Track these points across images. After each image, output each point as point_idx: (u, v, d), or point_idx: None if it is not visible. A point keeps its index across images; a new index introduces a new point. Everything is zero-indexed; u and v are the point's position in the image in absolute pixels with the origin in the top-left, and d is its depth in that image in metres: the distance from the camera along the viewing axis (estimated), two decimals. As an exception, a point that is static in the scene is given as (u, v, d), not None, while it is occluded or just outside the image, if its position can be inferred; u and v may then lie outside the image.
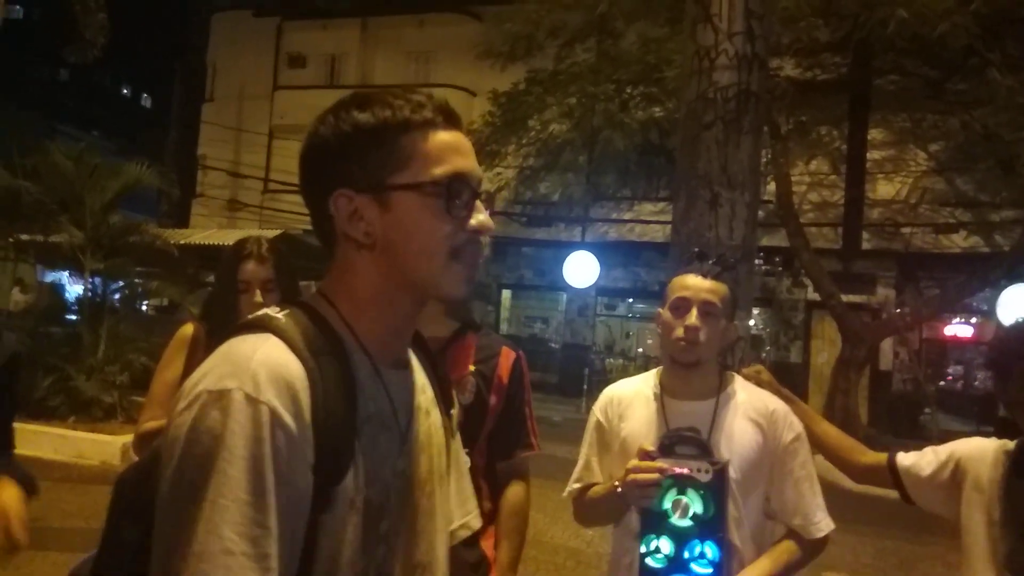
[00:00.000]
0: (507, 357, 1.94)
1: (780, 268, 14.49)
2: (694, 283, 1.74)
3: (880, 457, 1.81)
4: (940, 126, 11.77)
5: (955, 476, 1.64)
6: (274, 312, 0.85)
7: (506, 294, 16.93)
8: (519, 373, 1.95)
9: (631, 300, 16.24)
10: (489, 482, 1.91)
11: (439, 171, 0.85)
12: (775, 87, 10.69)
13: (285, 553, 0.74)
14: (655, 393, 1.82)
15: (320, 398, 0.78)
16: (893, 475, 1.76)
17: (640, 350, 15.95)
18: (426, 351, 1.07)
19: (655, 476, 1.61)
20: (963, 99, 10.60)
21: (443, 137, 0.87)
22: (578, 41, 11.35)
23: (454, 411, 1.11)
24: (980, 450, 1.63)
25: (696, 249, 1.96)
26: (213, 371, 0.77)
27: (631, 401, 1.85)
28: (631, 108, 11.07)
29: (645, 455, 1.65)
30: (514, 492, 1.94)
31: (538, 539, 2.08)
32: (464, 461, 1.21)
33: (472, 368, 1.88)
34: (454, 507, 1.08)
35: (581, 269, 13.66)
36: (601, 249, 13.93)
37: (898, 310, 12.91)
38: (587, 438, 1.89)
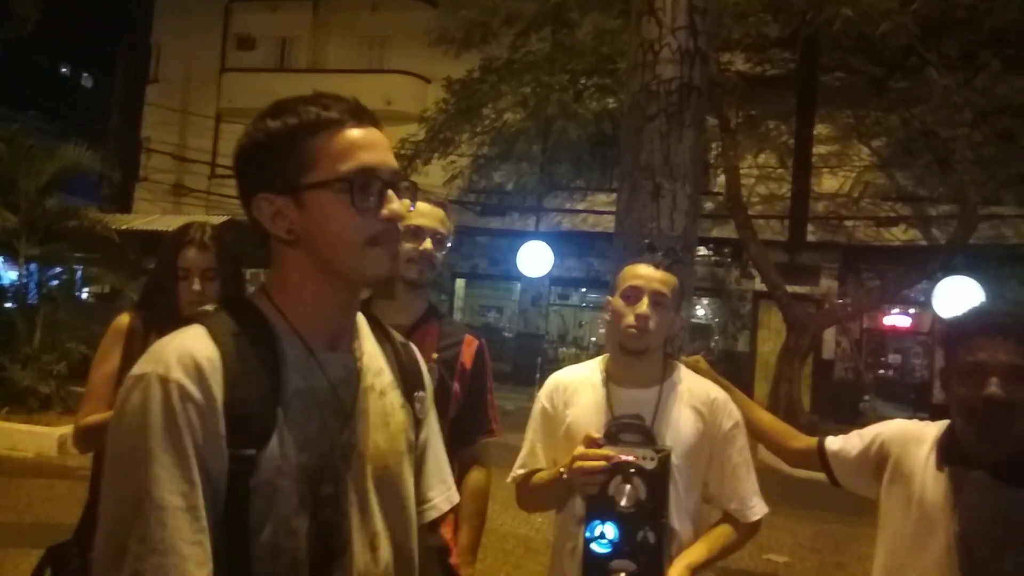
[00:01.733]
0: (470, 345, 1.97)
1: (729, 259, 14.79)
2: (646, 273, 1.77)
3: (811, 442, 1.88)
4: (882, 122, 12.13)
5: (878, 458, 1.71)
6: (211, 307, 0.96)
7: (460, 283, 16.90)
8: (481, 360, 1.98)
9: (584, 290, 16.38)
10: (450, 468, 1.92)
11: (345, 167, 0.92)
12: (725, 81, 10.87)
13: (210, 503, 0.85)
14: (601, 380, 1.85)
15: (235, 375, 0.88)
16: (822, 459, 1.82)
17: (593, 339, 16.10)
18: (390, 338, 1.15)
19: (601, 463, 1.64)
20: (904, 97, 10.94)
21: (350, 135, 0.94)
22: (533, 30, 11.34)
23: (422, 394, 1.16)
24: (903, 433, 1.70)
25: (647, 241, 2.00)
26: (141, 360, 0.89)
27: (577, 388, 1.88)
28: (585, 99, 11.12)
29: (591, 442, 1.67)
30: (475, 477, 1.96)
31: (489, 526, 2.09)
32: (440, 446, 1.23)
33: (435, 355, 1.89)
34: (425, 488, 1.15)
35: (535, 259, 13.72)
36: (555, 239, 14.01)
37: (840, 301, 13.32)
38: (532, 424, 1.91)
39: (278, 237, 0.95)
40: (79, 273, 8.77)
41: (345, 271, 0.95)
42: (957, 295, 10.48)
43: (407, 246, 1.83)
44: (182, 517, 0.82)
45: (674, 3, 2.22)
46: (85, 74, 43.70)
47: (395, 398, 1.07)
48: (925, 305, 12.71)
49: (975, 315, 1.53)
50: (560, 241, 14.05)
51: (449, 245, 1.96)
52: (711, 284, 15.17)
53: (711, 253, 15.04)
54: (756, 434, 1.94)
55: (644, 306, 1.73)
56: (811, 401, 13.30)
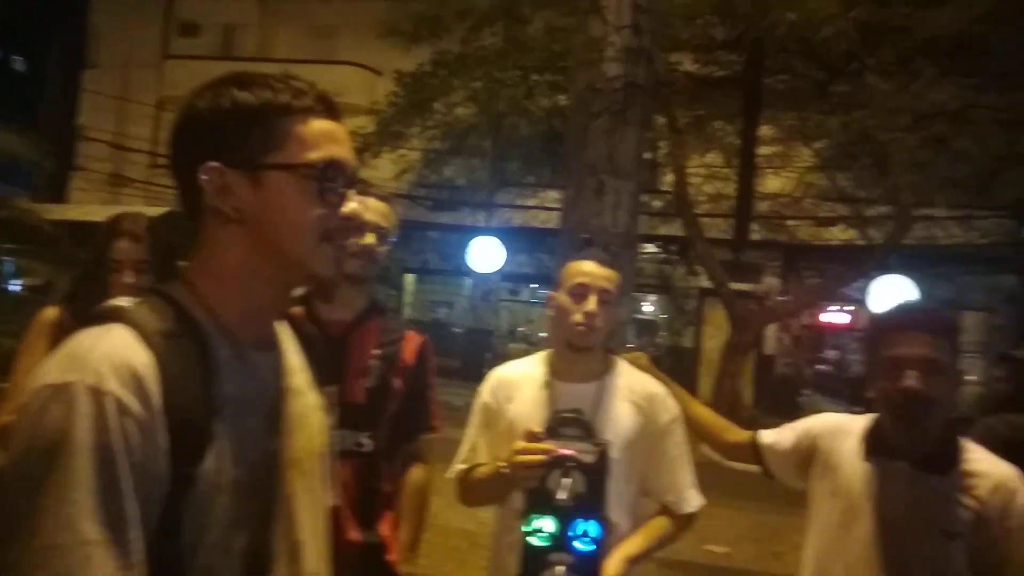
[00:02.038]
0: (412, 341, 1.96)
1: (676, 256, 15.05)
2: (593, 270, 1.79)
3: (746, 436, 1.94)
4: (823, 125, 12.47)
5: (808, 451, 1.77)
6: (126, 301, 0.86)
7: (410, 278, 16.78)
8: (424, 357, 1.97)
9: (534, 285, 16.46)
10: (390, 465, 1.91)
11: (315, 155, 0.89)
12: (674, 81, 11.04)
13: (143, 538, 0.75)
14: (543, 375, 1.87)
15: (171, 383, 0.80)
16: (756, 452, 1.88)
17: (542, 335, 16.20)
18: (302, 332, 1.09)
19: (541, 457, 1.65)
20: (844, 101, 11.26)
21: (322, 125, 0.91)
22: (485, 25, 11.31)
23: (331, 389, 1.15)
24: (832, 426, 1.76)
25: (585, 236, 2.03)
26: (56, 365, 0.77)
27: (519, 383, 1.89)
28: (536, 95, 11.16)
29: (532, 436, 1.68)
30: (415, 474, 1.96)
31: (433, 522, 2.09)
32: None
33: (377, 352, 1.87)
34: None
35: (486, 254, 13.72)
36: (506, 234, 14.03)
37: (782, 298, 13.69)
38: (473, 419, 1.92)
39: (220, 212, 0.88)
40: (8, 265, 8.41)
41: (292, 261, 0.90)
42: (891, 293, 10.88)
43: (351, 239, 1.81)
44: (109, 553, 0.71)
45: (619, 2, 2.25)
46: (17, 57, 41.75)
47: (312, 398, 1.03)
48: (862, 302, 13.15)
49: (893, 312, 1.60)
50: (511, 237, 14.07)
51: (392, 240, 1.94)
52: (658, 281, 15.39)
53: (659, 250, 15.26)
54: (693, 428, 1.99)
55: (592, 304, 1.75)
56: (753, 395, 13.64)
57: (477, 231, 14.09)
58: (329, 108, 0.93)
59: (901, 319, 1.55)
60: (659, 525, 1.81)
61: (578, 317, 1.75)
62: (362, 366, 1.84)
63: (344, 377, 1.82)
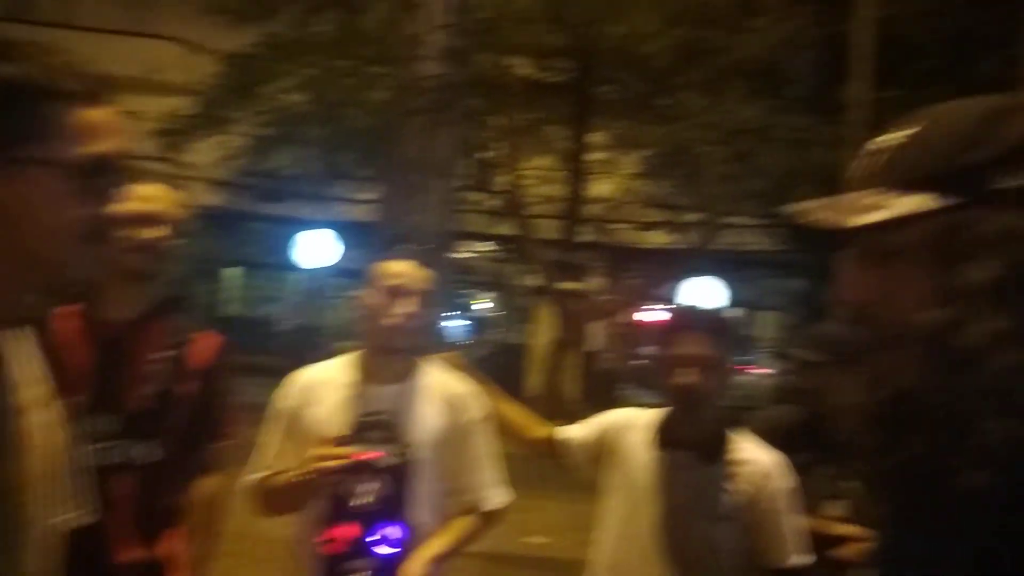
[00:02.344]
0: (206, 342, 1.80)
1: (511, 255, 15.40)
2: (407, 270, 1.76)
3: (546, 431, 2.00)
4: (647, 136, 13.27)
5: (601, 445, 1.87)
6: None
7: (231, 272, 15.83)
8: (220, 359, 1.82)
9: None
10: (180, 476, 1.76)
11: (79, 151, 0.79)
12: (509, 84, 11.27)
13: None
14: (348, 377, 1.81)
15: None
16: (555, 447, 1.96)
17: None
18: (53, 336, 1.03)
19: (341, 462, 1.59)
20: (665, 113, 12.07)
21: (91, 115, 0.81)
22: (320, 11, 10.89)
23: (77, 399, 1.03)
24: (623, 420, 1.87)
25: (398, 232, 1.99)
26: None
27: (322, 385, 1.82)
28: (372, 86, 10.92)
29: (331, 441, 1.63)
30: (206, 485, 1.81)
31: (242, 532, 1.96)
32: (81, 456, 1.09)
33: (161, 354, 1.71)
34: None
35: (316, 248, 13.24)
36: (339, 228, 13.61)
37: (606, 297, 14.45)
38: (270, 425, 1.83)
39: None
40: None
41: (43, 262, 0.80)
42: (701, 293, 11.84)
43: (131, 233, 1.64)
44: None
45: (435, 2, 2.23)
46: None
47: (48, 413, 0.92)
48: (677, 302, 14.18)
49: (675, 314, 1.74)
50: (345, 231, 13.68)
51: (190, 231, 1.79)
52: (493, 279, 15.66)
53: (494, 249, 15.53)
54: (503, 426, 2.02)
55: (407, 304, 1.72)
56: (579, 390, 14.28)
57: (308, 224, 13.56)
58: (96, 94, 0.82)
59: (680, 321, 1.68)
60: (462, 524, 1.82)
61: (391, 319, 1.72)
62: (143, 370, 1.68)
63: (121, 383, 1.65)
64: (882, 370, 0.72)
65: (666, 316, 2.00)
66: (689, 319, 1.68)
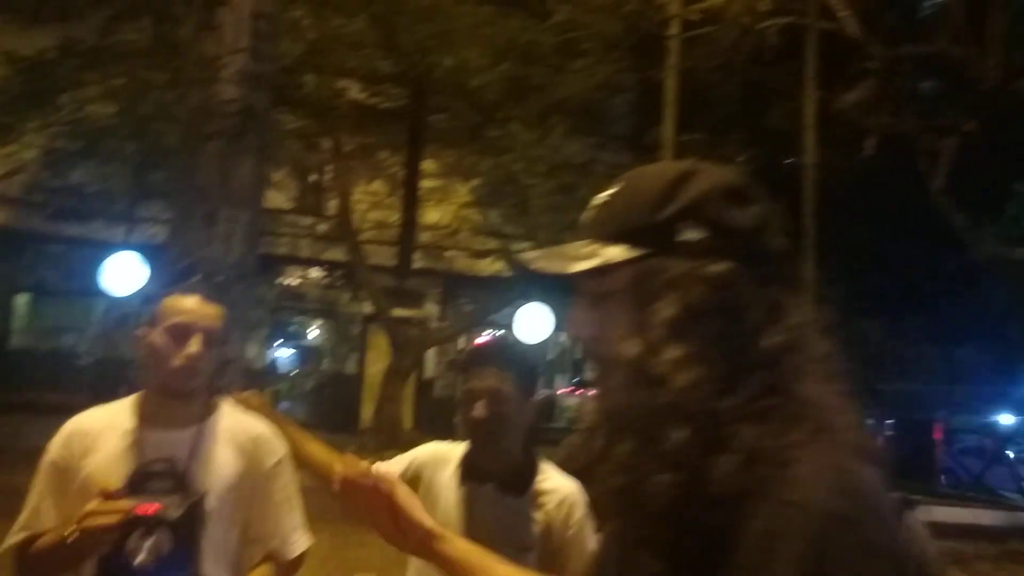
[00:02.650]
0: None
1: (341, 282, 15.01)
2: (196, 307, 1.63)
3: None
4: (478, 165, 13.57)
5: (413, 481, 1.84)
6: None
7: (22, 299, 14.10)
8: None
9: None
10: None
11: None
12: (339, 107, 11.08)
13: None
14: (130, 423, 1.66)
15: None
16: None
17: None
18: None
19: (115, 518, 1.44)
20: (495, 145, 12.42)
21: None
22: (130, 18, 10.11)
23: None
24: (434, 455, 1.85)
25: (187, 264, 1.86)
26: None
27: (99, 433, 1.65)
28: (187, 101, 10.27)
29: (106, 495, 1.47)
30: None
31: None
32: None
33: None
34: None
35: (124, 273, 12.08)
36: (149, 252, 12.54)
37: (440, 323, 14.48)
38: (39, 479, 1.63)
39: None
40: None
41: None
42: (532, 319, 12.20)
43: None
44: None
45: (237, 24, 2.14)
46: None
47: None
48: (509, 328, 14.50)
49: (469, 350, 1.79)
50: (156, 255, 12.65)
51: None
52: (322, 306, 15.18)
53: (324, 275, 15.07)
54: (306, 467, 1.93)
55: (195, 345, 1.60)
56: (414, 419, 14.12)
57: (114, 247, 12.38)
58: None
59: (473, 355, 1.72)
60: (263, 573, 1.71)
61: (177, 360, 1.59)
62: None
63: None
64: (603, 393, 0.83)
65: (461, 353, 2.03)
66: (479, 353, 1.72)
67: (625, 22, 9.04)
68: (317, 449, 2.00)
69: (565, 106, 10.95)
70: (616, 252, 0.79)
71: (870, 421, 20.68)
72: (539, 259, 0.84)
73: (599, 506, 0.91)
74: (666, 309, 0.75)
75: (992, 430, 19.60)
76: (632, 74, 11.12)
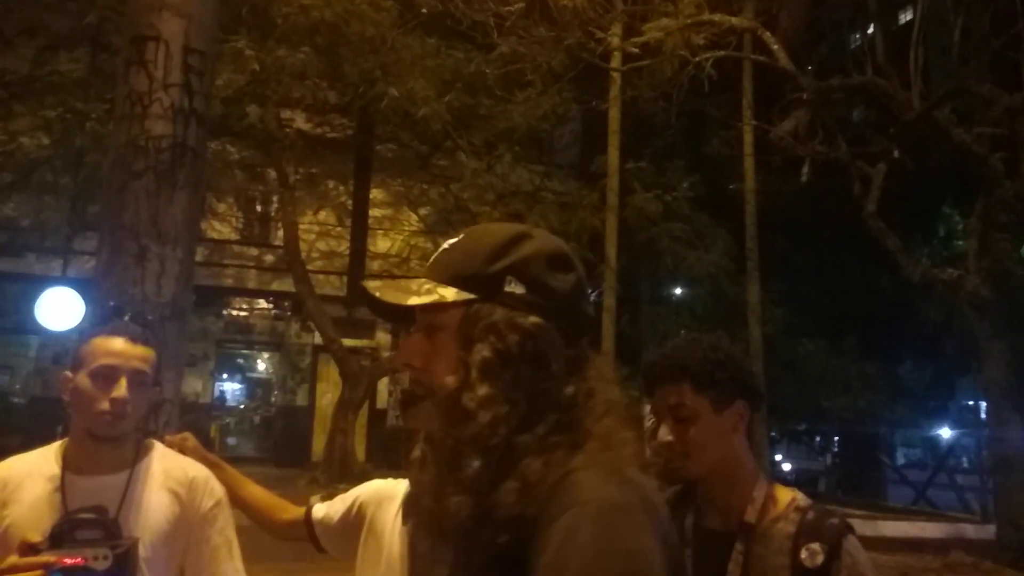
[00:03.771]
0: None
1: (289, 313, 14.76)
2: (123, 349, 1.58)
3: (299, 512, 1.88)
4: (427, 193, 13.59)
5: (358, 519, 1.79)
6: None
7: (-51, 337, 13.46)
8: None
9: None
10: None
11: None
12: (284, 137, 11.00)
13: None
14: (56, 470, 1.59)
15: None
16: (308, 528, 1.84)
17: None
18: None
19: (36, 573, 1.38)
20: (444, 173, 12.48)
21: None
22: (64, 48, 9.88)
23: None
24: (378, 492, 1.81)
25: (112, 304, 1.81)
26: None
27: (22, 481, 1.58)
28: (115, 137, 10.04)
29: (26, 548, 1.40)
30: None
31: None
32: None
33: None
34: None
35: (60, 309, 11.66)
36: (86, 287, 12.14)
37: (391, 353, 14.33)
38: None
39: None
40: None
41: None
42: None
43: None
44: None
45: (167, 59, 2.11)
46: None
47: None
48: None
49: None
50: (92, 290, 12.24)
51: None
52: (270, 338, 14.90)
53: (271, 306, 14.81)
54: (246, 510, 1.88)
55: (123, 389, 1.54)
56: (365, 450, 13.88)
57: (49, 281, 11.96)
58: None
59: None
60: None
61: (104, 405, 1.54)
62: None
63: None
64: (420, 418, 0.91)
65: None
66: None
67: (568, 54, 9.23)
68: (255, 491, 1.95)
69: (511, 135, 11.10)
70: (449, 293, 0.88)
71: (817, 439, 21.16)
72: (382, 288, 0.92)
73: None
74: (483, 350, 0.84)
75: (934, 443, 20.29)
76: (576, 104, 11.34)
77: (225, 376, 16.62)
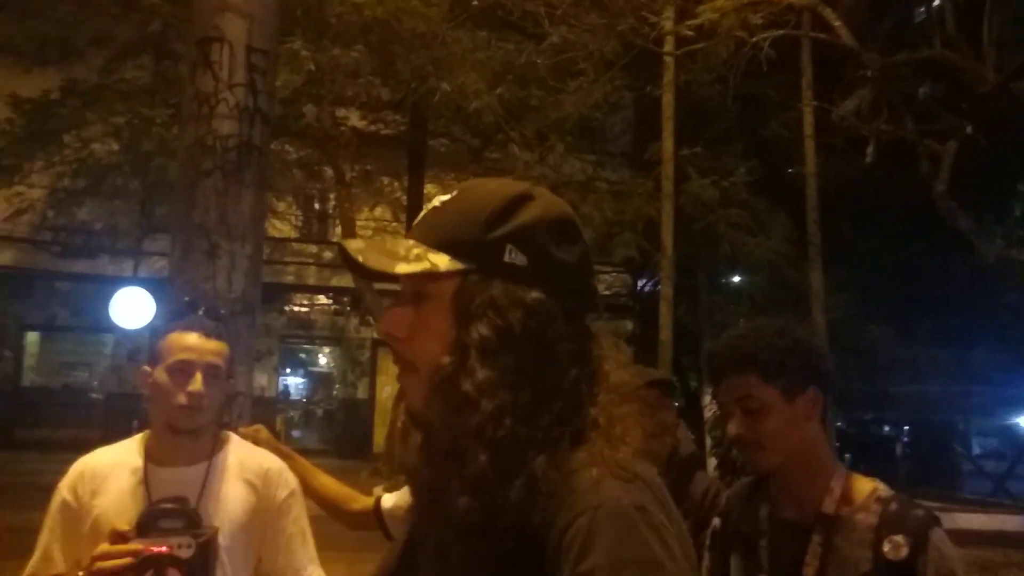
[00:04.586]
0: None
1: (348, 308, 15.05)
2: (198, 344, 1.63)
3: (369, 502, 1.92)
4: (478, 187, 13.59)
5: None
6: None
7: (32, 337, 14.20)
8: None
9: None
10: None
11: None
12: (340, 135, 11.18)
13: None
14: (139, 462, 1.65)
15: None
16: (378, 518, 1.88)
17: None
18: None
19: (125, 560, 1.44)
20: (496, 166, 12.47)
21: None
22: (130, 56, 10.25)
23: None
24: None
25: (187, 299, 1.87)
26: None
27: (108, 473, 1.65)
28: (183, 138, 10.38)
29: (116, 536, 1.46)
30: None
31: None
32: None
33: None
34: None
35: (133, 308, 12.18)
36: (157, 286, 12.63)
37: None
38: (48, 522, 1.62)
39: None
40: None
41: None
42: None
43: None
44: None
45: (232, 59, 2.16)
46: None
47: None
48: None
49: None
50: (163, 288, 12.73)
51: None
52: (331, 332, 15.19)
53: (331, 302, 15.11)
54: (317, 500, 1.92)
55: (198, 383, 1.59)
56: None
57: (122, 281, 12.48)
58: None
59: None
60: None
61: (181, 399, 1.59)
62: None
63: None
64: (410, 390, 0.81)
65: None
66: None
67: (620, 41, 9.09)
68: (327, 481, 2.00)
69: (563, 125, 11.02)
70: (441, 261, 0.78)
71: (886, 428, 20.46)
72: (365, 251, 0.81)
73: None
74: (481, 328, 0.75)
75: (1012, 432, 19.38)
76: (629, 91, 11.18)
77: (288, 371, 17.08)
